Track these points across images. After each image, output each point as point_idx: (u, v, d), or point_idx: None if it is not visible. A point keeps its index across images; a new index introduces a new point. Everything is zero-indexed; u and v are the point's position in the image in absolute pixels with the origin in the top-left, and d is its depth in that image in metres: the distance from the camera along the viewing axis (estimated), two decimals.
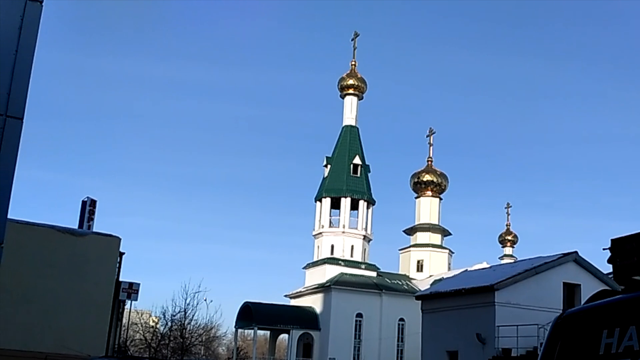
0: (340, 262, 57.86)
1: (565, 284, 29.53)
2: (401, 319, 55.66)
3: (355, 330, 55.30)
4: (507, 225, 77.51)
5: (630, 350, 3.04)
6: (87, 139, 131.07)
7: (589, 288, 26.86)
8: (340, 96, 64.61)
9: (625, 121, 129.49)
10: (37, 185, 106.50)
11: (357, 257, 59.30)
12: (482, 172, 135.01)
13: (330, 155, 62.48)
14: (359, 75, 64.42)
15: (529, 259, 32.64)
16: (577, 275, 29.92)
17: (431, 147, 70.02)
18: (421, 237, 66.74)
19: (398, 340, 55.97)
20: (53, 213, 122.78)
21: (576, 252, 30.60)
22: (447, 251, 66.63)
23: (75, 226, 24.86)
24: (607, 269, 28.86)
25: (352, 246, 59.40)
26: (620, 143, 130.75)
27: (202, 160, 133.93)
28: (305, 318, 55.62)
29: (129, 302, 25.35)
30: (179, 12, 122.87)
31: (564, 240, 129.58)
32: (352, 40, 65.77)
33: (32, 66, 7.00)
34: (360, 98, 64.46)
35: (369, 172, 62.76)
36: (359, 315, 55.60)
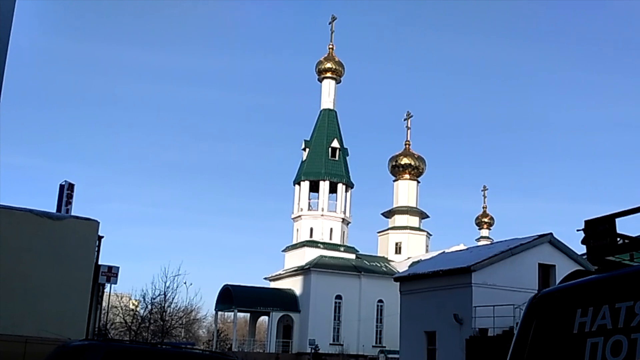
0: (319, 244, 58.11)
1: (540, 264, 29.97)
2: (380, 301, 56.18)
3: (335, 312, 55.73)
4: (483, 207, 78.40)
5: (604, 329, 3.13)
6: (65, 123, 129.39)
7: (564, 269, 27.26)
8: (318, 80, 64.44)
9: (601, 107, 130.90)
10: (15, 169, 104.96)
11: (336, 239, 59.58)
12: (459, 155, 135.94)
13: (308, 139, 62.42)
14: (336, 59, 64.25)
15: (505, 240, 33.09)
16: (552, 256, 30.35)
17: (409, 131, 70.47)
18: (399, 219, 67.20)
19: (377, 321, 56.55)
20: (31, 197, 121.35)
21: (551, 233, 31.01)
22: (425, 233, 67.22)
23: (54, 210, 24.65)
24: (581, 249, 29.34)
25: (331, 229, 59.65)
26: (596, 128, 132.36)
27: (180, 145, 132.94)
28: (285, 300, 55.88)
29: (109, 285, 25.32)
30: None
31: (539, 223, 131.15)
32: (330, 23, 65.63)
33: (8, 50, 6.93)
34: (338, 82, 64.35)
35: (347, 155, 62.88)
36: (338, 297, 55.99)
